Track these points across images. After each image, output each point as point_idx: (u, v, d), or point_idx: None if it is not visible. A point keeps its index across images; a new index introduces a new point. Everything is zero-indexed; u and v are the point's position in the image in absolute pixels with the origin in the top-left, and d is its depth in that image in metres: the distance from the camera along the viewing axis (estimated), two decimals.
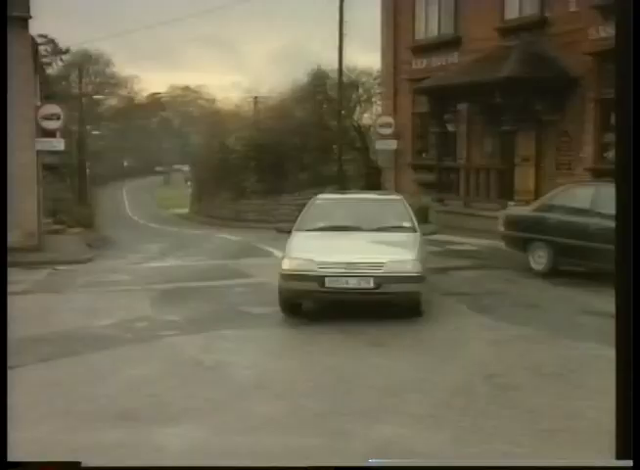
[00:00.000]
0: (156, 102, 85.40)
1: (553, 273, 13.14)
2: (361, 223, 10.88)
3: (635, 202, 3.23)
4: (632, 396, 3.14)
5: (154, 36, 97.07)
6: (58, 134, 22.01)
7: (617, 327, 3.22)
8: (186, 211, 47.61)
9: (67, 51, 53.69)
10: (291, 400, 6.80)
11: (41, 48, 36.30)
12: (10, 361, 8.10)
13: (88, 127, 54.46)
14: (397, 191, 26.82)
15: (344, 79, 33.15)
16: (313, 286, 9.57)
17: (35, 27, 21.65)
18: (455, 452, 5.52)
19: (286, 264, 9.87)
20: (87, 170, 49.06)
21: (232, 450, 5.63)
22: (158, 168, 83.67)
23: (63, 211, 31.47)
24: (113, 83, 75.68)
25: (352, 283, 9.51)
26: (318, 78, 37.60)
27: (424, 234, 11.00)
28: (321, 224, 11.02)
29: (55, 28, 47.78)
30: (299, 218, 11.31)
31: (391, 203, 11.73)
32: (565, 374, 7.42)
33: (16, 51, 19.91)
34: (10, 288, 14.13)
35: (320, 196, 12.17)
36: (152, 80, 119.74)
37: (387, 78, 27.94)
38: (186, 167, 66.79)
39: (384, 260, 9.58)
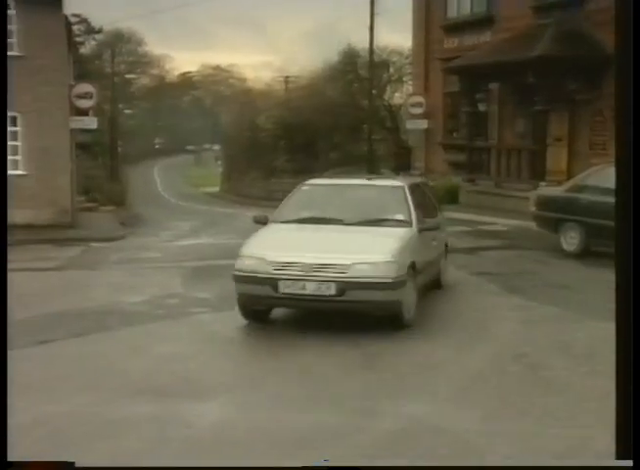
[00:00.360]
0: (187, 81, 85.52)
1: (585, 254, 13.01)
2: (345, 215, 9.13)
3: (635, 202, 3.19)
4: (632, 396, 3.11)
5: (186, 16, 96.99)
6: (91, 113, 22.16)
7: (618, 327, 3.20)
8: (216, 189, 47.76)
9: (100, 30, 53.82)
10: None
11: (74, 28, 36.40)
12: (44, 336, 8.25)
13: (120, 106, 54.75)
14: (428, 171, 26.76)
15: (375, 59, 32.91)
16: (266, 291, 8.02)
17: (69, 7, 21.72)
18: (485, 430, 5.50)
19: (237, 264, 8.42)
20: (119, 149, 49.34)
21: (260, 427, 5.65)
22: (188, 147, 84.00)
23: (95, 189, 31.70)
24: (145, 62, 75.82)
25: (310, 289, 7.89)
26: (349, 58, 37.40)
27: (422, 230, 9.08)
28: (299, 215, 9.33)
29: (88, 8, 48.24)
30: (279, 207, 9.76)
31: (390, 190, 9.65)
32: (595, 354, 7.34)
33: (49, 30, 20.04)
34: (44, 264, 14.38)
35: (309, 181, 10.29)
36: (183, 60, 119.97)
37: (418, 58, 27.69)
38: (216, 146, 66.91)
39: (348, 262, 7.89)
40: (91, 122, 22.06)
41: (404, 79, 37.33)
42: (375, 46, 32.24)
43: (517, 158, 21.29)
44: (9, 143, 20.03)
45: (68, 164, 20.95)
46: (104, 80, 43.12)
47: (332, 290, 7.85)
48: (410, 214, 9.07)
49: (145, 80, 78.27)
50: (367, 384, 6.64)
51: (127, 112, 63.28)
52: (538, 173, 20.16)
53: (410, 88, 32.40)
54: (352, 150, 34.18)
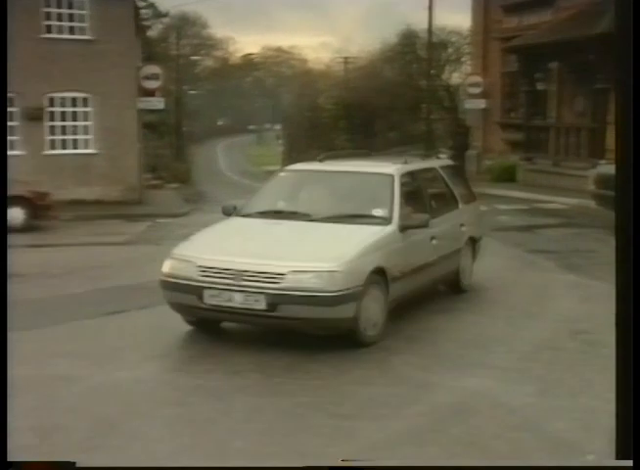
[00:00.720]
0: (249, 63, 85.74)
1: None
2: (314, 209, 7.62)
3: (635, 203, 3.10)
4: (632, 396, 3.06)
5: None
6: (157, 94, 22.39)
7: (618, 327, 3.14)
8: (277, 168, 47.86)
9: (166, 14, 54.22)
10: None
11: (142, 12, 36.76)
12: (112, 307, 8.40)
13: (185, 87, 55.21)
14: (486, 150, 26.41)
15: (434, 39, 32.48)
16: (191, 300, 6.68)
17: None
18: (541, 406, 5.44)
19: (164, 266, 7.06)
20: (184, 129, 49.84)
21: None
22: (250, 127, 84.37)
23: (161, 167, 32.14)
24: (209, 45, 76.14)
25: (238, 300, 6.44)
26: (407, 38, 36.99)
27: (408, 227, 7.40)
28: (264, 208, 7.89)
29: None
30: (252, 196, 8.44)
31: (376, 180, 7.87)
32: None
33: (119, 15, 20.28)
34: (113, 239, 14.64)
35: (290, 167, 8.99)
36: (246, 42, 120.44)
37: (476, 38, 27.27)
38: (277, 126, 67.07)
39: (284, 270, 6.34)
40: (158, 103, 22.31)
41: (463, 59, 36.79)
42: (434, 26, 31.83)
43: (576, 136, 20.85)
44: (82, 123, 20.43)
45: (135, 144, 21.25)
46: (169, 62, 43.49)
47: (261, 303, 6.34)
48: (392, 209, 7.40)
49: (209, 62, 78.67)
50: None
51: (192, 92, 63.79)
52: (598, 152, 19.69)
53: (468, 68, 31.93)
54: (411, 129, 33.90)
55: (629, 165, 3.10)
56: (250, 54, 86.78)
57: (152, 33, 50.93)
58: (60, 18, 20.03)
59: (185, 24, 65.03)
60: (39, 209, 15.30)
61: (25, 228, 14.66)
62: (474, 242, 9.16)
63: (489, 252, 10.22)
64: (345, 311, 6.42)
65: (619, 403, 3.10)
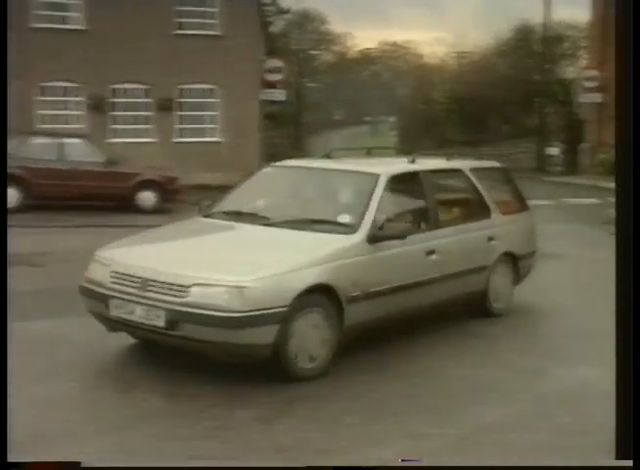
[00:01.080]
0: (366, 57, 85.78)
1: None
2: (276, 211, 6.43)
3: (635, 204, 3.04)
4: (632, 396, 2.99)
5: None
6: (279, 86, 22.87)
7: (618, 327, 3.06)
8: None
9: (287, 11, 55.07)
10: None
11: (265, 8, 37.47)
12: None
13: (304, 80, 55.87)
14: (600, 143, 25.54)
15: (550, 33, 31.63)
16: (101, 309, 5.64)
17: None
18: None
19: (88, 268, 5.97)
20: (302, 120, 50.53)
21: None
22: (366, 119, 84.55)
23: (279, 156, 32.61)
24: (328, 40, 76.73)
25: (139, 314, 5.33)
26: (522, 33, 36.17)
27: (375, 238, 5.88)
28: (229, 207, 6.70)
29: None
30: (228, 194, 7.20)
31: (359, 180, 6.47)
32: None
33: (245, 12, 20.84)
34: None
35: (277, 163, 7.76)
36: (363, 37, 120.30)
37: (594, 31, 26.37)
38: (392, 118, 66.97)
39: (188, 282, 5.17)
40: (280, 95, 22.81)
41: (579, 53, 35.66)
42: (550, 21, 30.99)
43: None
44: (208, 113, 21.14)
45: (256, 133, 21.78)
46: (290, 56, 44.13)
47: (161, 320, 5.20)
48: (362, 216, 5.96)
49: (327, 56, 79.30)
50: None
51: (310, 85, 64.51)
52: None
53: (584, 62, 30.93)
54: (524, 123, 33.20)
55: (629, 166, 3.05)
56: (367, 49, 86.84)
57: (274, 29, 51.81)
58: (191, 15, 20.76)
59: (305, 20, 65.75)
60: (169, 192, 15.99)
61: (157, 210, 15.36)
62: (514, 259, 7.48)
63: (598, 242, 9.93)
64: (260, 337, 5.10)
65: (619, 403, 3.06)
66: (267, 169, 7.57)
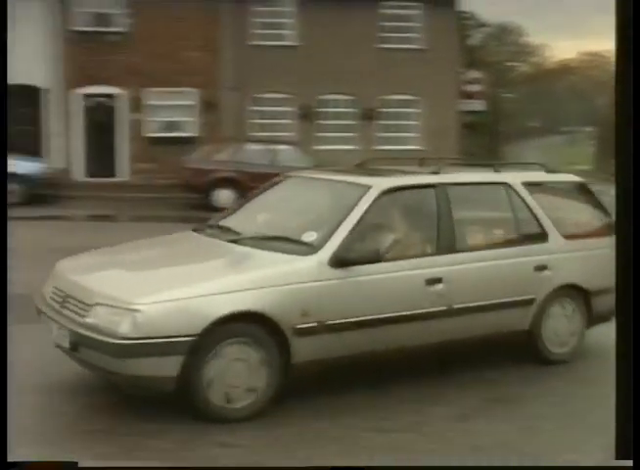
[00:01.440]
0: (564, 67, 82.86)
1: None
2: (250, 226, 5.53)
3: (635, 204, 2.91)
4: (632, 396, 2.86)
5: (563, 7, 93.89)
6: (477, 96, 22.72)
7: (617, 326, 2.93)
8: (588, 167, 46.33)
9: (485, 24, 54.50)
10: None
11: (464, 22, 37.30)
12: None
13: (500, 90, 54.90)
14: None
15: None
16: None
17: (460, 5, 22.37)
18: None
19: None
20: (499, 129, 49.73)
21: None
22: (563, 129, 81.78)
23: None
24: (526, 52, 75.11)
25: (54, 332, 4.66)
26: None
27: (342, 261, 4.77)
28: (221, 221, 5.89)
29: (477, 5, 49.45)
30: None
31: (348, 193, 5.31)
32: None
33: (444, 26, 20.96)
34: None
35: (295, 173, 6.62)
36: (561, 48, 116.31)
37: None
38: (589, 128, 64.24)
39: (91, 301, 4.44)
40: (479, 105, 22.74)
41: None
42: None
43: None
44: (409, 122, 21.42)
45: (454, 143, 21.74)
46: (487, 68, 43.57)
47: (66, 341, 4.50)
48: (330, 234, 4.88)
49: (524, 67, 77.50)
50: None
51: (507, 95, 63.32)
52: None
53: None
54: None
55: (629, 166, 2.97)
56: (565, 59, 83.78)
57: (472, 41, 51.38)
58: (394, 30, 21.14)
59: (503, 33, 64.65)
60: None
61: None
62: (583, 294, 5.90)
63: None
64: (159, 369, 4.27)
65: (619, 403, 2.96)
66: (284, 180, 6.27)
